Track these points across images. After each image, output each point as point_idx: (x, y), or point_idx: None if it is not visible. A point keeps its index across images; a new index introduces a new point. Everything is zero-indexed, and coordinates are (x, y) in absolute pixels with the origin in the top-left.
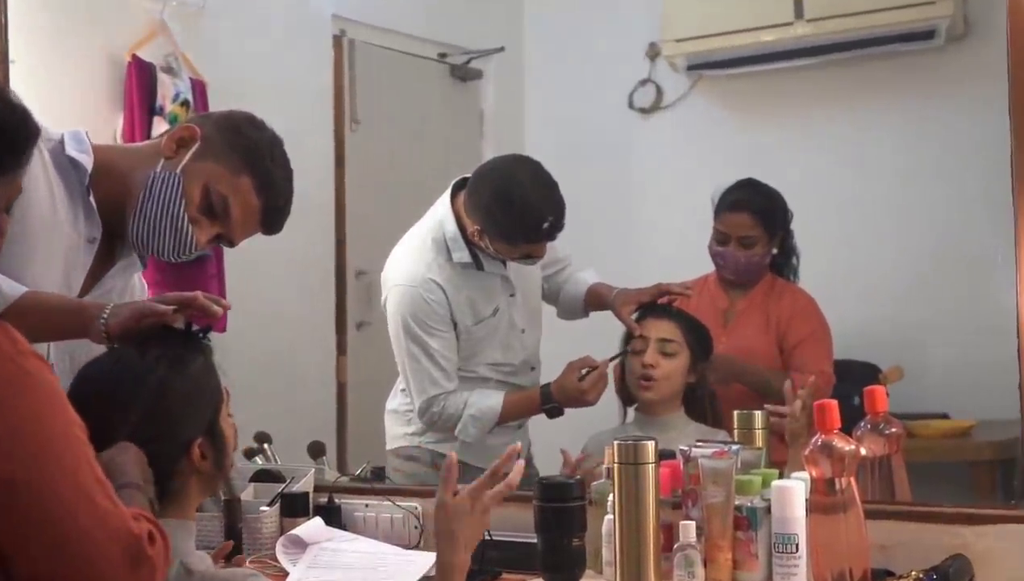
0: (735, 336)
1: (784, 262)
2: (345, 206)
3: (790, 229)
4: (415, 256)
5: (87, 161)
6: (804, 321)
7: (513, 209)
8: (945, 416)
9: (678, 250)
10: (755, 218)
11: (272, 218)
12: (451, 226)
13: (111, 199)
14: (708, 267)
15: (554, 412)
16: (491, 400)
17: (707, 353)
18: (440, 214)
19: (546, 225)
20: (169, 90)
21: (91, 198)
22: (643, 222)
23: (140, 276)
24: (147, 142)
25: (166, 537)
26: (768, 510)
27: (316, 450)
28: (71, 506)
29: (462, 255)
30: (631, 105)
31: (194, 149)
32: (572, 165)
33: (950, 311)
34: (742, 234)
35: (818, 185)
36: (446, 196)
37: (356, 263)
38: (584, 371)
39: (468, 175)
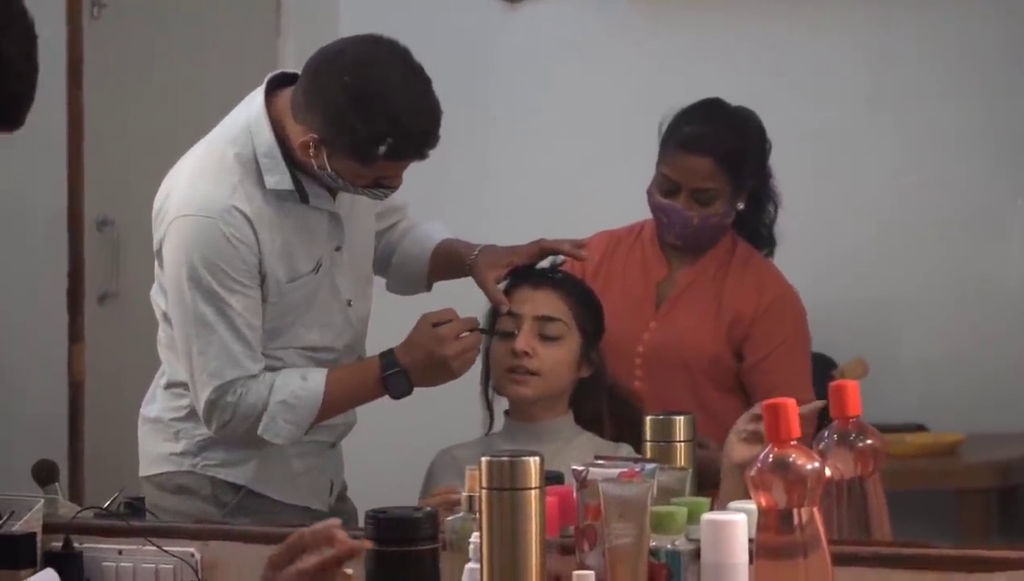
0: (669, 324)
1: (754, 217)
2: (83, 129)
3: (767, 167)
4: (211, 176)
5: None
6: (775, 320)
7: (374, 109)
8: (922, 428)
9: (564, 196)
10: (719, 165)
11: (6, 109)
12: (265, 137)
13: None
14: (606, 223)
15: (400, 385)
16: (308, 379)
17: (600, 334)
18: (248, 120)
19: (418, 136)
20: None
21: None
22: (512, 156)
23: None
24: None
25: None
26: (697, 554)
27: (45, 474)
28: None
29: (280, 179)
30: None
31: None
32: None
33: (930, 285)
34: (697, 185)
35: (752, 104)
36: (257, 95)
37: (98, 209)
38: (444, 321)
39: (288, 70)
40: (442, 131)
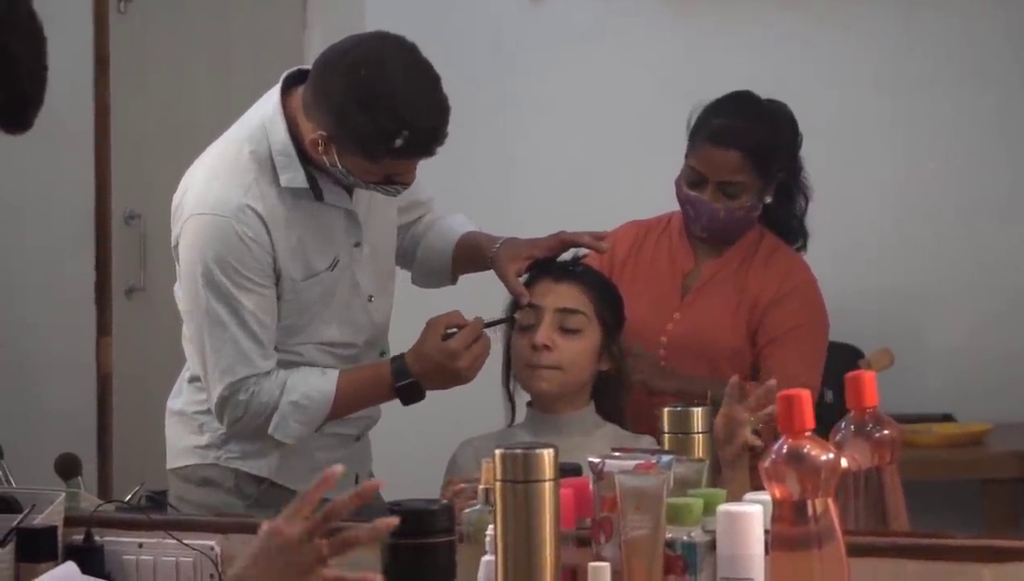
0: (692, 315)
1: (784, 210)
2: (109, 124)
3: (798, 159)
4: (226, 175)
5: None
6: (791, 306)
7: (378, 107)
8: (949, 418)
9: (589, 187)
10: (747, 159)
11: (16, 111)
12: (280, 134)
13: None
14: (630, 214)
15: (411, 393)
16: (320, 380)
17: (620, 327)
18: (264, 117)
19: (424, 133)
20: None
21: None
22: (536, 147)
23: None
24: None
25: None
26: (712, 546)
27: (68, 467)
28: None
29: (294, 177)
30: None
31: None
32: (435, 68)
33: (958, 277)
34: (724, 178)
35: (779, 97)
36: (274, 93)
37: (125, 204)
38: (451, 330)
39: (305, 67)
40: (467, 123)
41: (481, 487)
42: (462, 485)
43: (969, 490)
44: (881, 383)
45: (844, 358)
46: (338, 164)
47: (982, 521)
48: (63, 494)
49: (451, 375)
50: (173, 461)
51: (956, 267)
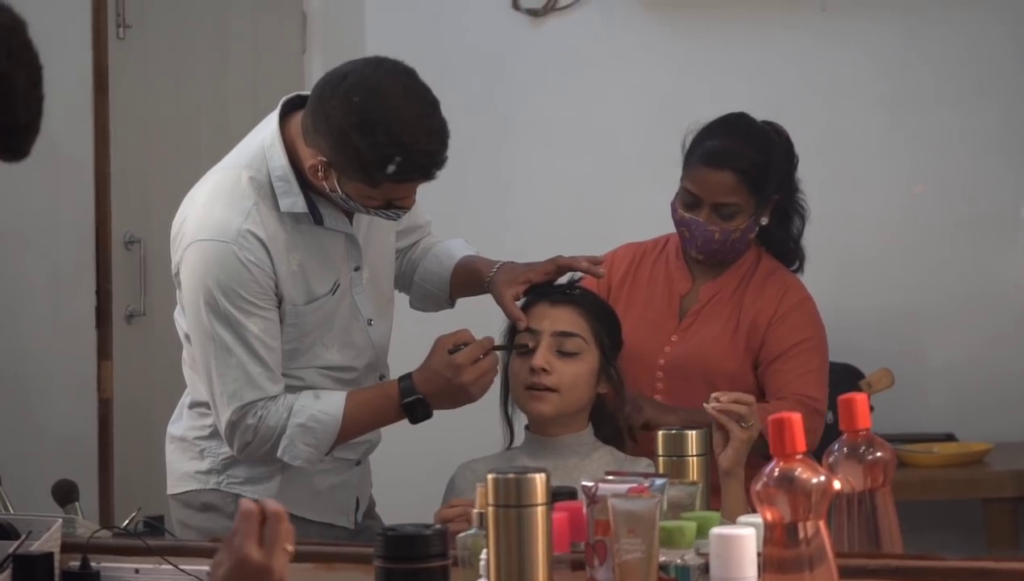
0: (689, 338)
1: (781, 231)
2: (109, 147)
3: (794, 180)
4: (226, 200)
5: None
6: (792, 324)
7: (376, 132)
8: (951, 437)
9: (586, 212)
10: (741, 180)
11: (13, 140)
12: (279, 160)
13: None
14: (629, 236)
15: (418, 411)
16: (327, 402)
17: (618, 349)
18: (263, 143)
19: (423, 157)
20: None
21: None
22: (533, 171)
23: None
24: None
25: None
26: (706, 569)
27: (65, 493)
28: None
29: (294, 202)
30: (516, 5)
31: None
32: (434, 90)
33: (958, 295)
34: (719, 200)
35: (777, 117)
36: (272, 118)
37: (125, 227)
38: (459, 346)
39: (304, 92)
40: (466, 145)
41: (475, 511)
42: (453, 510)
43: (970, 509)
44: (882, 403)
45: (844, 378)
46: (338, 189)
47: (983, 540)
48: (60, 520)
49: (457, 390)
50: (174, 487)
51: (956, 286)
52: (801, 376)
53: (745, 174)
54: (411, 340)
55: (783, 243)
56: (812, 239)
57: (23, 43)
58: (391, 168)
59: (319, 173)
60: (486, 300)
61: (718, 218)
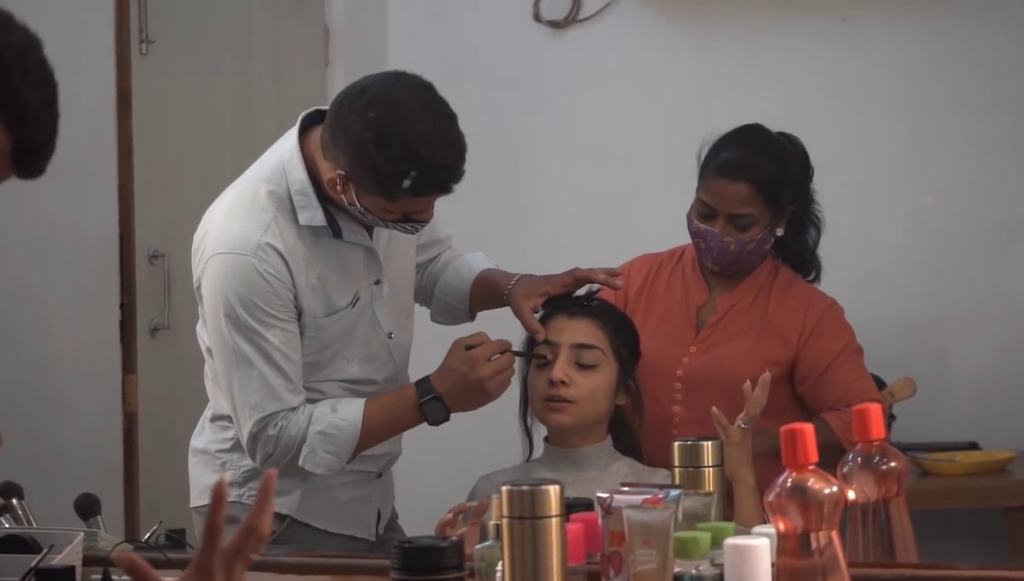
0: (708, 349)
1: (796, 242)
2: (132, 162)
3: (809, 191)
4: (245, 214)
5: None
6: (828, 334)
7: (394, 146)
8: (974, 446)
9: (607, 224)
10: (756, 191)
11: (28, 159)
12: (299, 174)
13: None
14: (651, 247)
15: (437, 412)
16: (346, 408)
17: (636, 361)
18: (283, 157)
19: (441, 171)
20: None
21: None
22: (554, 183)
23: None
24: None
25: None
26: (720, 579)
27: (86, 507)
28: None
29: (313, 215)
30: (537, 17)
31: None
32: (454, 103)
33: (979, 304)
34: (734, 211)
35: (798, 127)
36: (292, 133)
37: (149, 242)
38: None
39: (323, 107)
40: (488, 156)
41: (492, 523)
42: (450, 515)
43: (993, 518)
44: (904, 412)
45: None
46: (357, 203)
47: (1006, 549)
48: (81, 534)
49: (474, 386)
50: (196, 499)
51: (978, 294)
52: (856, 382)
53: (760, 185)
54: (432, 353)
55: (799, 253)
56: (832, 248)
57: (38, 62)
58: (408, 182)
59: (337, 187)
60: (505, 313)
61: (733, 229)
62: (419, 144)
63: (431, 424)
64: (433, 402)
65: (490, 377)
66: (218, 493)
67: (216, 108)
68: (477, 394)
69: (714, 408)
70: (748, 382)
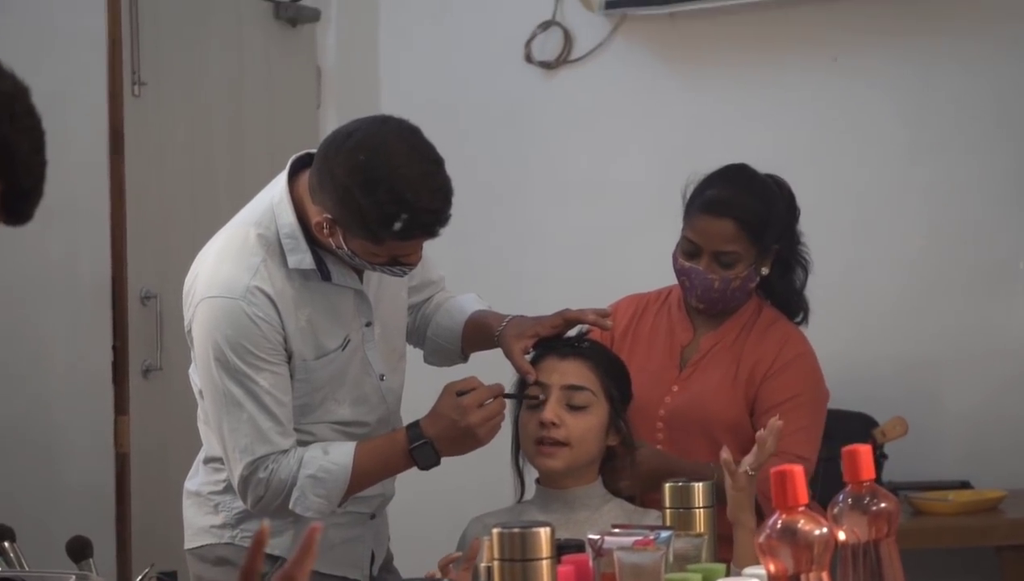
0: (689, 388)
1: (783, 282)
2: (125, 203)
3: (795, 232)
4: (234, 258)
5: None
6: (787, 378)
7: (379, 190)
8: (966, 485)
9: (600, 263)
10: (740, 228)
11: (16, 205)
12: (288, 217)
13: None
14: (642, 286)
15: (427, 457)
16: (337, 452)
17: (627, 402)
18: (272, 201)
19: (426, 214)
20: None
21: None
22: (547, 222)
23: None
24: None
25: None
26: None
27: (78, 549)
28: None
29: (302, 258)
30: (529, 58)
31: None
32: (447, 144)
33: (970, 343)
34: (719, 248)
35: (791, 168)
36: (282, 177)
37: (141, 282)
38: (468, 391)
39: (313, 150)
40: (480, 196)
41: (483, 565)
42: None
43: (985, 557)
44: (896, 451)
45: (858, 427)
46: (344, 246)
47: None
48: (73, 577)
49: (464, 432)
50: (190, 541)
51: (970, 334)
52: (791, 434)
53: (745, 222)
54: (424, 395)
55: (785, 294)
56: (822, 289)
57: (25, 109)
58: (394, 226)
59: (325, 230)
60: (497, 354)
61: (718, 266)
62: (404, 188)
63: (421, 469)
64: (423, 447)
65: (480, 424)
66: (258, 538)
67: (208, 149)
68: (467, 440)
69: (724, 454)
70: (762, 429)
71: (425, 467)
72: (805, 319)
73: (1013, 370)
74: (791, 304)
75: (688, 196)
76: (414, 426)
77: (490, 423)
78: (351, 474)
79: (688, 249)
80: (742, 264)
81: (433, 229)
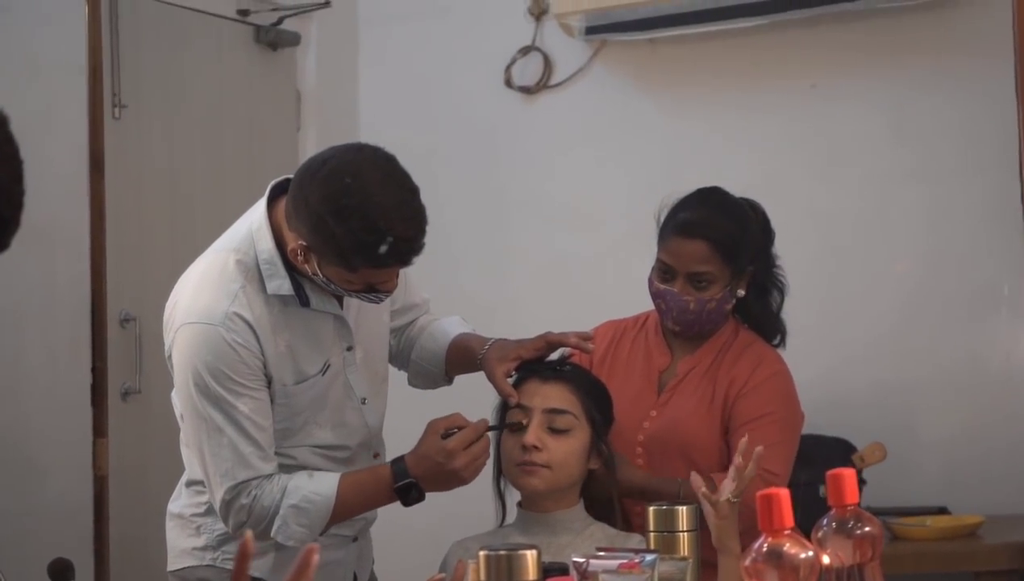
0: (667, 412)
1: (759, 304)
2: (104, 226)
3: (770, 254)
4: (214, 284)
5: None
6: (759, 397)
7: (353, 218)
8: (944, 511)
9: (579, 287)
10: (713, 248)
11: None
12: (266, 243)
13: None
14: (622, 310)
15: (411, 495)
16: (320, 483)
17: (609, 425)
18: (251, 226)
19: (400, 243)
20: None
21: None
22: (526, 246)
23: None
24: None
25: None
26: None
27: (59, 572)
28: None
29: (280, 284)
30: (509, 83)
31: None
32: (426, 168)
33: (949, 369)
34: (693, 269)
35: (770, 193)
36: (261, 203)
37: (121, 305)
38: (452, 431)
39: (291, 175)
40: (460, 220)
41: None
42: None
43: None
44: (875, 477)
45: (837, 452)
46: (319, 273)
47: None
48: None
49: (449, 475)
50: (172, 563)
51: (948, 360)
52: (766, 450)
53: (718, 243)
54: (407, 417)
55: (762, 317)
56: (801, 315)
57: (4, 138)
58: (368, 253)
59: (299, 257)
60: (481, 377)
61: (692, 288)
62: (378, 216)
63: (405, 506)
64: (407, 486)
65: (466, 467)
66: (243, 551)
67: (189, 172)
68: (452, 481)
69: (703, 489)
70: (740, 457)
71: (409, 504)
72: (783, 342)
73: (991, 396)
74: (768, 327)
75: (661, 220)
76: (399, 463)
77: (475, 464)
78: (334, 506)
79: (663, 271)
80: (717, 285)
81: (407, 257)
